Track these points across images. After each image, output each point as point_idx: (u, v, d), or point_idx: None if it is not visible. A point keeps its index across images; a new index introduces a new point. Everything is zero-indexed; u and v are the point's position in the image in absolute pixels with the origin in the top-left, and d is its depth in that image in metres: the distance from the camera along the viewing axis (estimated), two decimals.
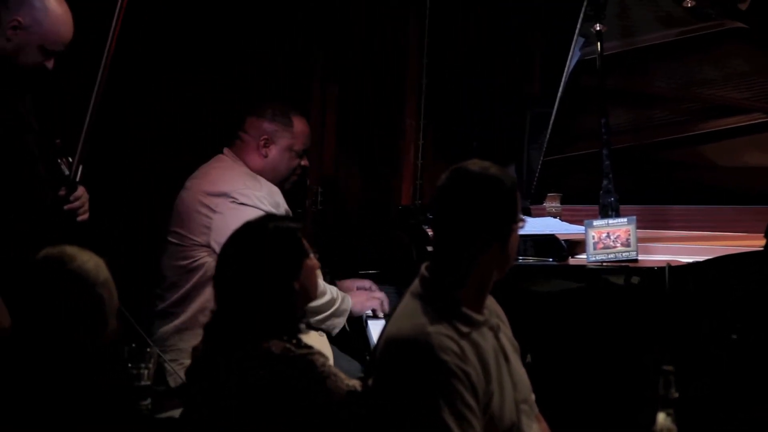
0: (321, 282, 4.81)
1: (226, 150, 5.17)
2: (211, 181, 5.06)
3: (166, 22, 5.64)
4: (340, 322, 4.99)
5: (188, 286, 5.00)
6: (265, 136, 5.14)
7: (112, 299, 3.15)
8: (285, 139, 5.16)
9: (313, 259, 3.55)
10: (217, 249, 4.85)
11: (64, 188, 4.16)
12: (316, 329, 4.83)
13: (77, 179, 4.18)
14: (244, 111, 5.23)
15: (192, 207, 5.03)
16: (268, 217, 3.63)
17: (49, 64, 4.18)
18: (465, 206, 3.25)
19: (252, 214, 4.76)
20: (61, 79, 4.38)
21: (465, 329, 3.22)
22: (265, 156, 5.15)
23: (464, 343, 3.20)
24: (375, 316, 5.02)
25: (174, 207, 5.10)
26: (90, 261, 3.14)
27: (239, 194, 4.97)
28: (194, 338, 4.83)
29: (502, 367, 3.31)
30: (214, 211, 4.98)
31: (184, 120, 5.73)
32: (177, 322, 5.00)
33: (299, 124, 5.21)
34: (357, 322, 5.11)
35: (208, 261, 4.94)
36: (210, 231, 4.96)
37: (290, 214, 5.05)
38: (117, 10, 4.19)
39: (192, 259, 4.99)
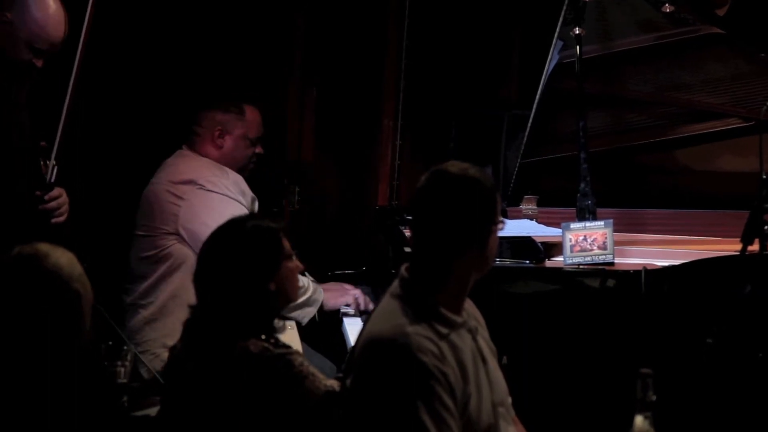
0: None
1: (184, 146, 5.21)
2: (178, 171, 5.10)
3: (143, 23, 5.62)
4: (310, 312, 4.99)
5: (155, 276, 5.00)
6: (219, 127, 5.19)
7: (87, 294, 3.15)
8: (239, 128, 5.22)
9: (294, 261, 3.55)
10: (185, 234, 4.93)
11: (40, 189, 4.17)
12: (287, 318, 4.82)
13: (53, 180, 4.19)
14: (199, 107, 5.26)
15: (160, 197, 5.05)
16: (250, 216, 3.63)
17: (38, 63, 4.18)
18: (444, 208, 3.25)
19: (219, 200, 4.85)
20: (47, 81, 4.37)
21: (444, 330, 3.23)
22: (221, 147, 5.19)
23: (443, 345, 3.20)
24: (351, 314, 5.02)
25: (140, 204, 5.11)
26: (63, 257, 3.14)
27: (206, 181, 5.02)
28: (164, 327, 4.87)
29: (480, 369, 3.31)
30: (181, 198, 5.01)
31: (154, 120, 5.71)
32: (146, 313, 5.00)
33: (251, 113, 5.27)
34: (330, 319, 5.09)
35: (176, 249, 4.95)
36: (178, 218, 4.98)
37: (256, 200, 5.09)
38: (88, 11, 4.21)
39: (160, 248, 5.00)
